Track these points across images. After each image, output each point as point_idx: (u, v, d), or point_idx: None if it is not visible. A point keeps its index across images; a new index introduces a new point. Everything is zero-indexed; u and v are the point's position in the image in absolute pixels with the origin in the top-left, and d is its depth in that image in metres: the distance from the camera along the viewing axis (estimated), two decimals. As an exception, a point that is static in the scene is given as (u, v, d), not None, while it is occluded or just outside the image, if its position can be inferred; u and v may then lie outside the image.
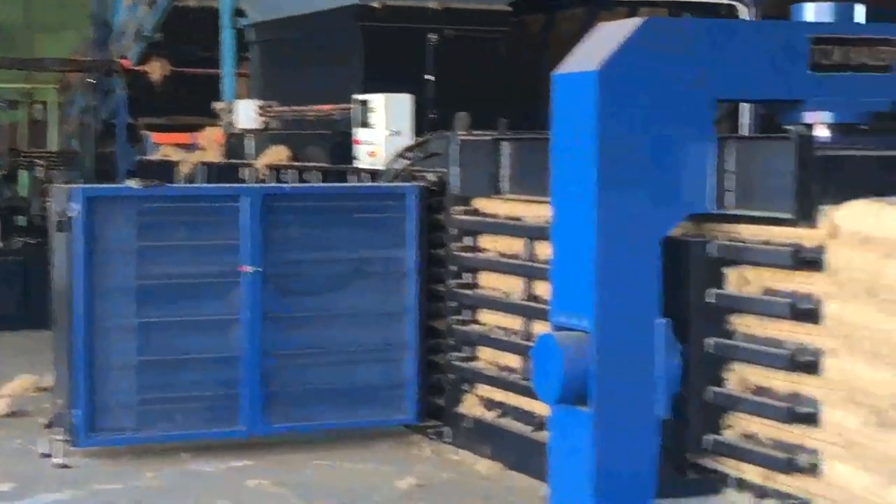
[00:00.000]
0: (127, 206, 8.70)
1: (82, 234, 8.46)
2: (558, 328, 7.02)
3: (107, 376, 8.57)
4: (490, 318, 8.97)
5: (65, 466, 8.46)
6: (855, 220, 6.31)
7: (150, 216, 8.71)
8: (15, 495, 7.89)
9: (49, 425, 8.84)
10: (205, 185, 11.84)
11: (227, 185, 11.05)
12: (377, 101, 10.14)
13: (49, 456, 8.59)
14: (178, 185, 11.39)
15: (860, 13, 7.51)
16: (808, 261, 6.54)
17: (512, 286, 8.66)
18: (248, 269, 8.77)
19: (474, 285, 9.11)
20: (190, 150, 13.16)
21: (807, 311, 6.55)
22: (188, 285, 8.77)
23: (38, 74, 16.98)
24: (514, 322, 8.59)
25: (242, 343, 8.84)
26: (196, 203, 8.99)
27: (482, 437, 8.80)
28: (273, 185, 10.70)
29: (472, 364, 9.05)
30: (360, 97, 10.35)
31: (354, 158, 10.46)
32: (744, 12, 10.76)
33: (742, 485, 6.95)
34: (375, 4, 10.73)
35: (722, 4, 10.84)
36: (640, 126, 6.80)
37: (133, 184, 9.83)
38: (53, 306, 9.01)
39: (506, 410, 8.67)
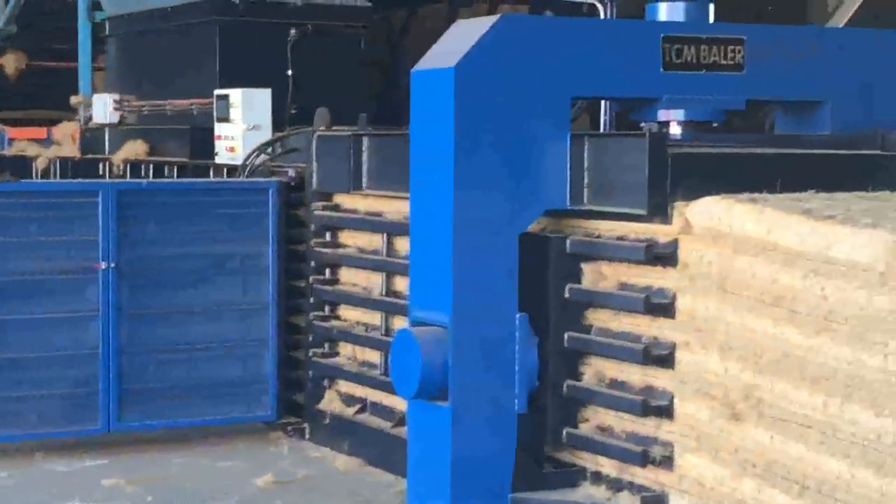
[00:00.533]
0: None
1: None
2: (417, 323, 7.05)
3: None
4: (351, 314, 8.97)
5: None
6: (706, 217, 6.42)
7: (3, 211, 8.57)
8: None
9: None
10: (60, 180, 11.70)
11: (83, 180, 10.87)
12: (235, 95, 10.10)
13: None
14: (33, 181, 11.27)
15: (712, 13, 7.67)
16: (662, 256, 6.62)
17: (372, 282, 8.67)
18: (103, 265, 8.67)
19: (335, 281, 9.09)
20: (46, 145, 13.02)
21: (660, 306, 6.63)
22: (44, 281, 8.65)
23: None
24: (375, 318, 8.60)
25: (98, 340, 8.71)
26: (50, 199, 8.85)
27: (342, 434, 8.78)
28: (129, 180, 10.61)
29: (332, 360, 9.04)
30: (220, 92, 10.32)
31: (215, 154, 10.41)
32: (602, 12, 10.87)
33: (598, 478, 7.01)
34: None
35: (583, 3, 10.92)
36: (497, 123, 6.85)
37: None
38: None
39: (365, 406, 8.67)
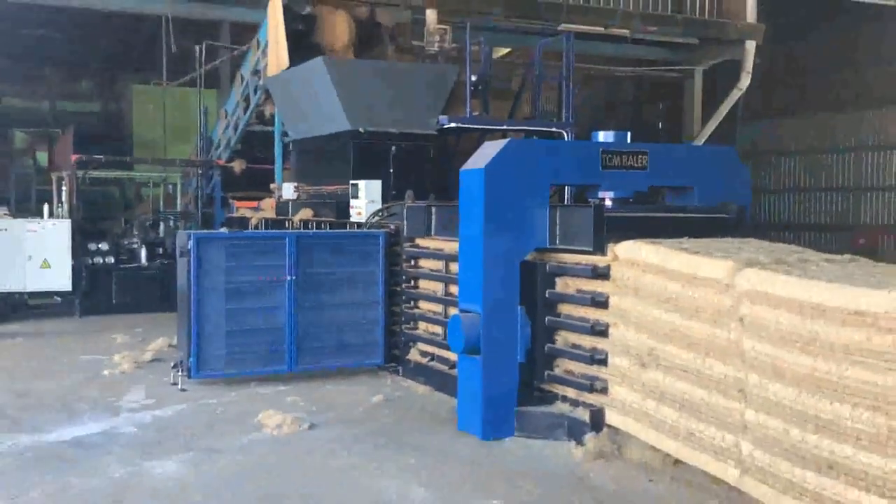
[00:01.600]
0: (219, 243, 8.40)
1: (194, 259, 8.22)
2: (462, 311, 6.90)
3: (207, 339, 8.30)
4: (425, 306, 8.77)
5: (183, 390, 8.23)
6: (626, 251, 6.30)
7: (232, 248, 8.43)
8: (155, 406, 7.69)
9: (175, 366, 8.55)
10: (262, 231, 11.41)
11: (277, 230, 10.85)
12: (361, 184, 9.94)
13: (175, 384, 8.35)
14: (248, 232, 10.96)
15: (629, 137, 7.52)
16: (601, 274, 6.47)
17: (436, 287, 8.50)
18: (288, 278, 8.53)
19: (416, 287, 8.88)
20: (256, 211, 12.99)
21: (600, 302, 6.49)
22: (254, 287, 8.47)
23: (170, 167, 16.74)
24: (438, 307, 8.44)
25: (285, 320, 8.53)
26: (257, 241, 8.71)
27: (420, 373, 8.60)
28: (302, 231, 10.40)
29: (414, 331, 8.84)
30: (353, 181, 10.14)
31: (350, 217, 10.23)
32: (565, 136, 10.73)
33: (565, 399, 6.85)
34: (361, 130, 10.49)
35: (553, 132, 10.81)
36: (507, 198, 6.70)
37: (223, 230, 9.73)
38: (178, 299, 8.70)
39: (433, 357, 8.49)
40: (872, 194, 18.59)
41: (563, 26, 13.93)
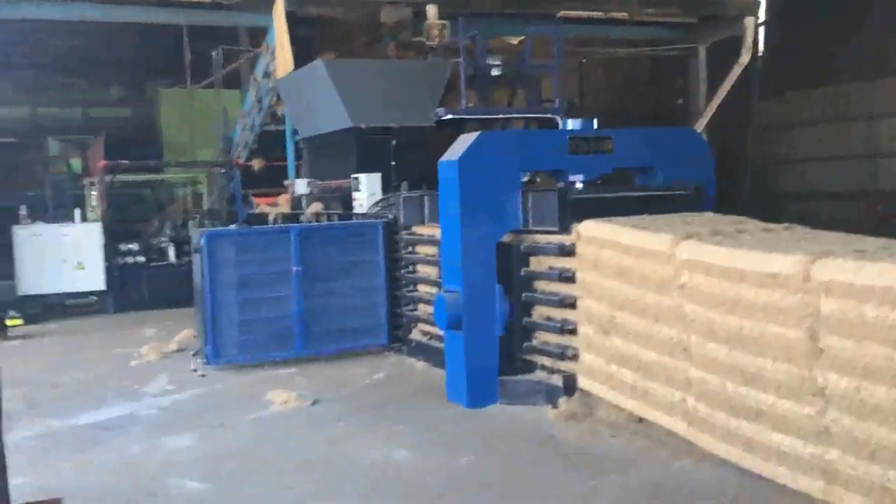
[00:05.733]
0: (229, 239, 8.98)
1: (206, 255, 8.79)
2: (446, 291, 7.41)
3: (222, 328, 8.86)
4: (423, 288, 9.21)
5: (203, 375, 8.84)
6: (587, 230, 6.80)
7: (241, 244, 8.97)
8: (175, 391, 8.33)
9: (195, 354, 9.17)
10: (268, 226, 11.79)
11: (281, 225, 11.29)
12: (362, 177, 10.41)
13: (195, 370, 8.98)
14: (256, 228, 11.41)
15: (595, 124, 7.96)
16: (567, 251, 6.96)
17: (432, 271, 8.96)
18: (295, 268, 9.06)
19: (414, 272, 9.32)
20: (274, 206, 13.45)
21: (568, 277, 6.98)
22: (264, 278, 8.99)
23: (193, 168, 17.43)
24: (434, 290, 8.76)
25: (293, 307, 9.04)
26: (264, 236, 9.26)
27: (420, 351, 9.04)
28: (305, 224, 10.72)
29: (415, 313, 9.28)
30: (355, 175, 10.61)
31: (353, 208, 10.68)
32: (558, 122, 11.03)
33: (543, 368, 7.35)
34: (362, 126, 10.98)
35: (547, 118, 11.20)
36: (481, 186, 7.19)
37: (233, 227, 10.38)
38: (195, 293, 9.28)
39: (432, 336, 8.92)
40: (888, 161, 18.72)
41: (561, 13, 14.35)
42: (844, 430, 4.74)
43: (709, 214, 7.03)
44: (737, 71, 16.04)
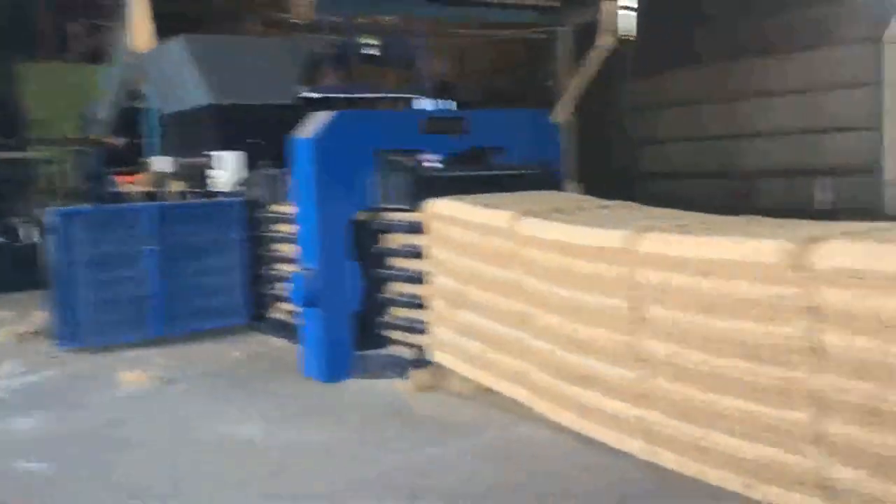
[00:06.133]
0: (83, 218, 8.83)
1: (59, 234, 8.62)
2: (303, 269, 7.50)
3: (77, 309, 8.71)
4: (282, 266, 9.15)
5: (55, 357, 8.67)
6: (437, 208, 6.98)
7: (96, 222, 8.82)
8: (27, 373, 8.17)
9: (48, 337, 8.98)
10: (123, 205, 11.57)
11: (137, 203, 11.13)
12: (221, 155, 10.33)
13: (48, 353, 8.79)
14: (110, 206, 11.23)
15: (451, 105, 8.14)
16: (418, 229, 7.12)
17: (290, 250, 8.86)
18: (151, 247, 8.94)
19: (275, 250, 9.31)
20: (135, 185, 13.15)
21: (419, 253, 7.15)
22: (119, 258, 8.84)
23: (55, 146, 16.88)
24: (291, 268, 8.63)
25: (148, 287, 8.93)
26: (120, 214, 9.12)
27: (280, 329, 9.07)
28: (162, 202, 10.61)
29: (273, 292, 9.27)
30: (215, 153, 10.51)
31: (214, 186, 10.55)
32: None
33: (397, 342, 7.53)
34: (222, 104, 10.87)
35: (408, 98, 11.31)
36: (336, 164, 7.25)
37: (85, 206, 10.14)
38: (48, 274, 8.99)
39: (290, 314, 8.73)
40: (748, 140, 19.60)
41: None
42: (663, 393, 5.08)
43: (553, 193, 7.33)
44: (597, 54, 16.49)
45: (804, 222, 5.22)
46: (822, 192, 15.97)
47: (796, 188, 16.27)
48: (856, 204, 13.77)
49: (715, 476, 4.82)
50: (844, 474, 4.19)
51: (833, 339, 4.14)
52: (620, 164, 19.43)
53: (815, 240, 4.29)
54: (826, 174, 16.11)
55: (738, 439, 4.68)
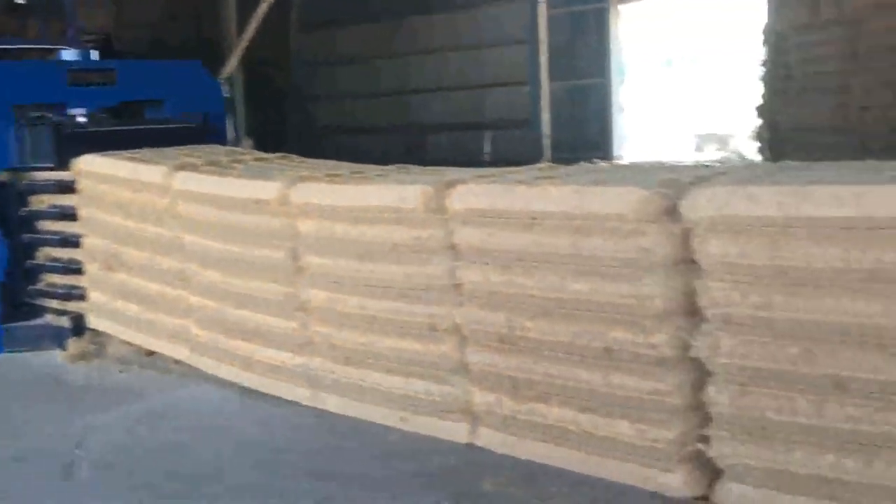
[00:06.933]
0: None
1: None
2: None
3: None
4: None
5: None
6: (86, 165, 6.59)
7: None
8: None
9: None
10: None
11: None
12: None
13: None
14: None
15: (96, 55, 7.75)
16: (67, 188, 6.72)
17: None
18: None
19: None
20: None
21: (71, 215, 6.76)
22: None
23: None
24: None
25: None
26: None
27: None
28: None
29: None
30: None
31: None
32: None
33: (51, 310, 7.11)
34: None
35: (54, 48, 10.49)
36: None
37: None
38: None
39: None
40: (420, 96, 20.32)
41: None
42: (323, 339, 5.22)
43: (212, 147, 7.19)
44: (263, 7, 16.32)
45: (451, 169, 5.52)
46: (487, 145, 17.05)
47: (464, 141, 17.24)
48: (518, 156, 14.82)
49: (376, 414, 5.04)
50: (486, 398, 4.55)
51: (469, 274, 4.45)
52: (297, 119, 19.52)
53: (451, 184, 4.57)
54: (489, 128, 17.22)
55: (394, 376, 4.92)
